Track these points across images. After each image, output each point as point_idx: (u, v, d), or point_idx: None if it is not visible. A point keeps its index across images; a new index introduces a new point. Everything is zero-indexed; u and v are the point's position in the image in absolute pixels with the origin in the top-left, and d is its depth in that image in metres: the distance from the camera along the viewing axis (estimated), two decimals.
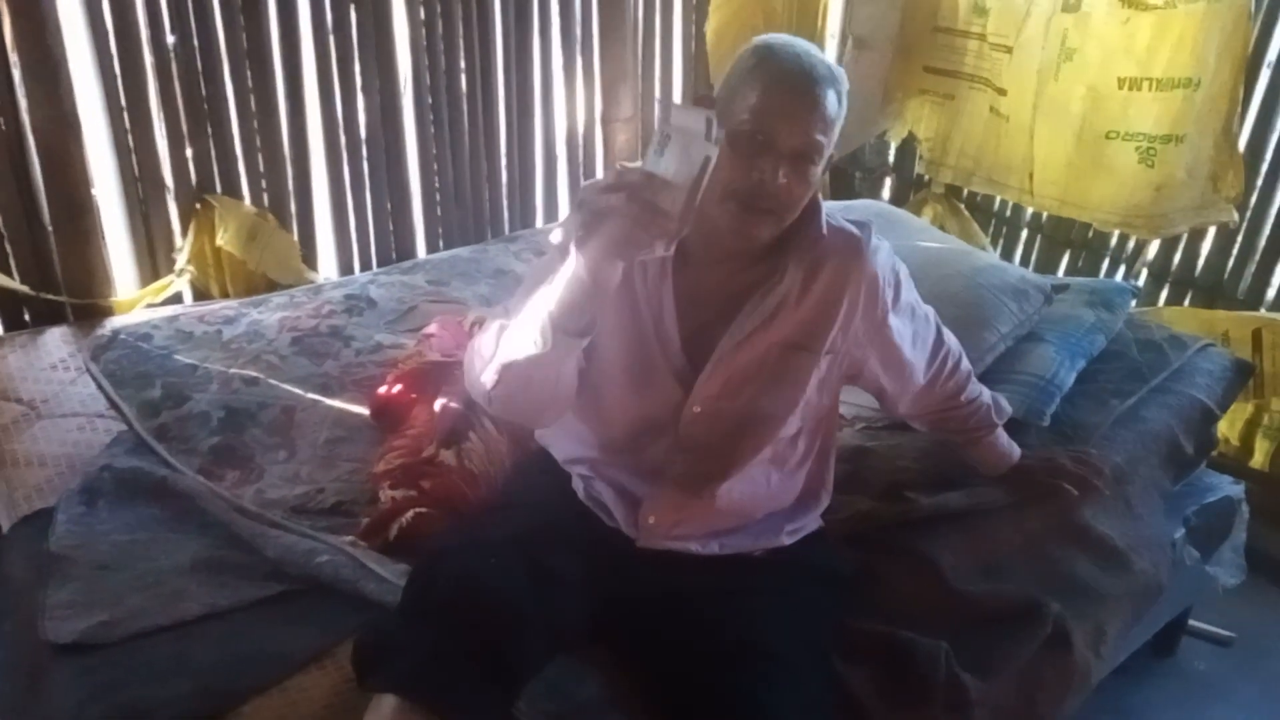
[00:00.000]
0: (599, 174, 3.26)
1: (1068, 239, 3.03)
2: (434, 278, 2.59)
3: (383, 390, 2.00)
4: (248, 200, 2.62)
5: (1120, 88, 2.60)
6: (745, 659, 1.33)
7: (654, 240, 1.12)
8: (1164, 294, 2.85)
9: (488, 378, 1.35)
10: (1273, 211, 2.58)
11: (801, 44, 1.35)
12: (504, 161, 3.03)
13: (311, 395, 2.03)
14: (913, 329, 1.58)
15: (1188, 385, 2.11)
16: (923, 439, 1.90)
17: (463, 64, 2.84)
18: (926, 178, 3.28)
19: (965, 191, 3.21)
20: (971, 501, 1.78)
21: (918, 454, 1.88)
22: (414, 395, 1.95)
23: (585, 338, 1.26)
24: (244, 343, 2.17)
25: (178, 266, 2.55)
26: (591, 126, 3.20)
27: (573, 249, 1.16)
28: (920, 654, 1.51)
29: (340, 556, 1.56)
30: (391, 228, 2.89)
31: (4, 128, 2.25)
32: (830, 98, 1.32)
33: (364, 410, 2.00)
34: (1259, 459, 2.64)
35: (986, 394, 1.75)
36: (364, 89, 2.69)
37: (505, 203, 3.08)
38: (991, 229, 3.23)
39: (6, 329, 2.39)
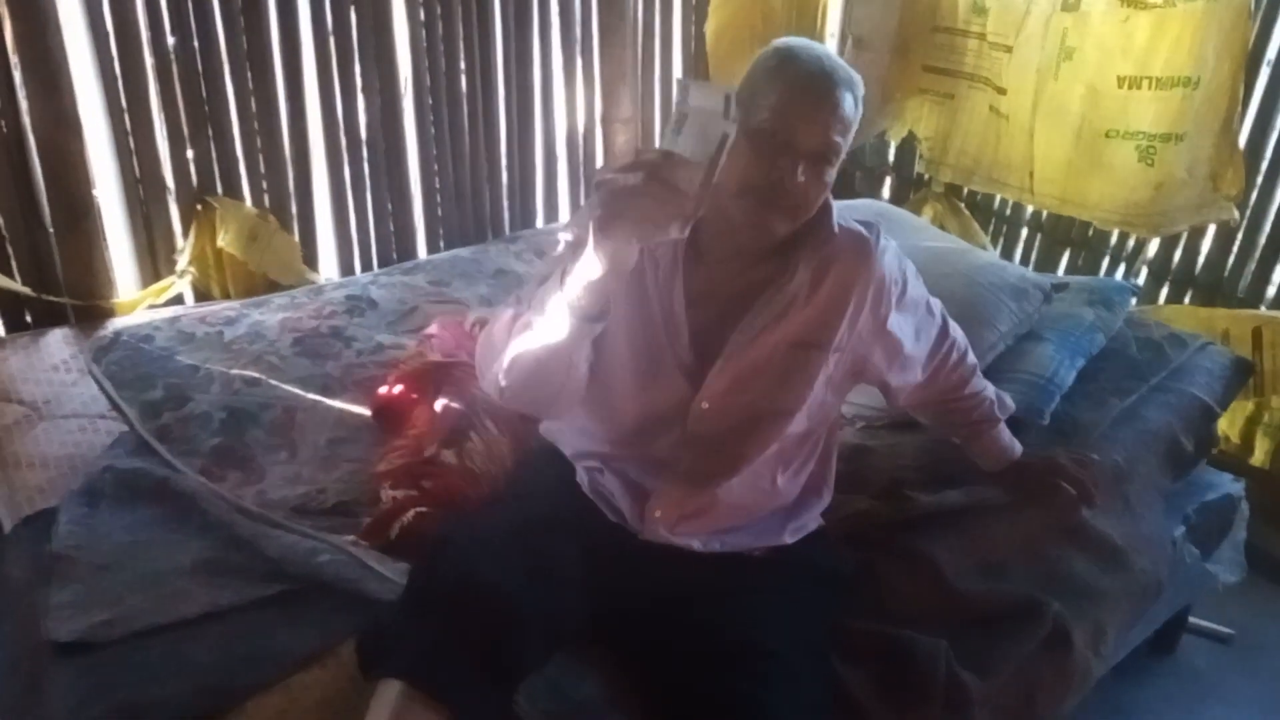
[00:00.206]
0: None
1: (1067, 237, 3.03)
2: (435, 278, 2.59)
3: (384, 391, 2.00)
4: (249, 201, 2.62)
5: (1120, 86, 2.60)
6: (745, 659, 1.33)
7: (671, 220, 1.12)
8: (1164, 292, 2.85)
9: (500, 367, 1.36)
10: (1273, 209, 2.58)
11: (821, 47, 1.38)
12: (504, 162, 3.03)
13: (313, 396, 2.04)
14: (915, 323, 1.59)
15: (1187, 383, 2.11)
16: (922, 438, 1.90)
17: (463, 64, 2.84)
18: (926, 177, 3.28)
19: (965, 190, 3.21)
20: (970, 500, 1.78)
21: (917, 453, 1.89)
22: (415, 395, 1.96)
23: (600, 323, 1.27)
24: (245, 344, 2.17)
25: (179, 268, 2.55)
26: (591, 127, 3.21)
27: (590, 230, 1.17)
28: (920, 653, 1.51)
29: (342, 556, 1.56)
30: (392, 228, 2.89)
31: (5, 129, 2.26)
32: (848, 100, 1.34)
33: (365, 411, 2.01)
34: (1259, 457, 2.64)
35: (990, 389, 1.76)
36: (364, 90, 2.69)
37: (506, 203, 3.08)
38: (991, 228, 3.23)
39: (8, 330, 2.40)
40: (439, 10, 2.74)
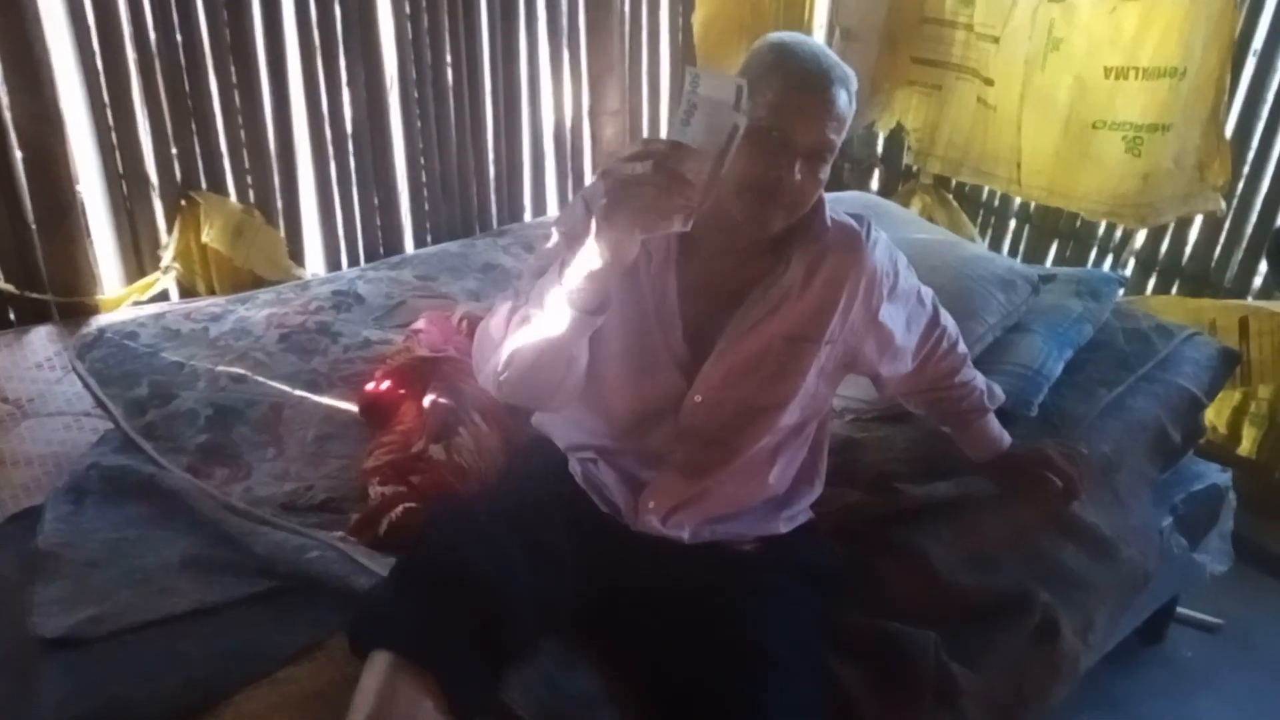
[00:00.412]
0: (587, 168, 3.26)
1: (1055, 229, 3.04)
2: (422, 273, 2.59)
3: (371, 386, 1.99)
4: (233, 196, 2.61)
5: (1107, 77, 2.60)
6: (740, 657, 1.33)
7: (677, 211, 1.12)
8: (1151, 283, 2.86)
9: (498, 360, 1.37)
10: (1259, 200, 2.59)
11: (816, 43, 1.38)
12: (491, 155, 3.02)
13: (300, 392, 2.03)
14: (906, 314, 1.60)
15: (1175, 374, 2.11)
16: (912, 430, 1.90)
17: (449, 57, 2.83)
18: (915, 168, 3.28)
19: (953, 182, 3.21)
20: (960, 492, 1.78)
21: (907, 445, 1.89)
22: (403, 391, 1.95)
23: (600, 315, 1.27)
24: (231, 340, 2.16)
25: (163, 264, 2.54)
26: (579, 120, 3.20)
27: (592, 219, 1.17)
28: (910, 646, 1.51)
29: (330, 552, 1.55)
30: (379, 223, 2.88)
31: None
32: (844, 97, 1.35)
33: (353, 407, 2.00)
34: (1246, 446, 2.65)
35: (980, 379, 1.77)
36: (349, 83, 2.68)
37: (493, 197, 3.08)
38: (980, 219, 3.24)
39: None
40: (424, 2, 2.73)
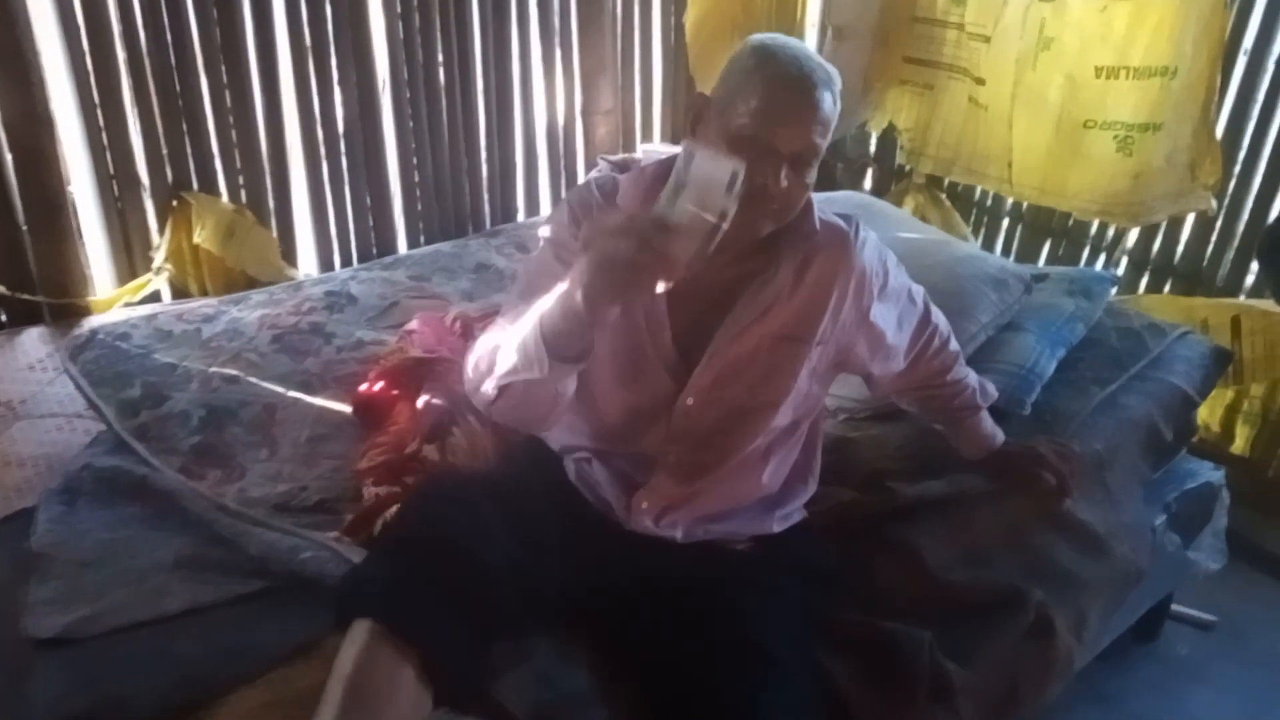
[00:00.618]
0: (580, 167, 3.25)
1: (1048, 228, 3.04)
2: (415, 273, 2.58)
3: (365, 387, 1.99)
4: (225, 197, 2.60)
5: (1098, 76, 2.60)
6: (732, 655, 1.33)
7: (658, 287, 1.13)
8: (1144, 282, 2.86)
9: (487, 392, 1.37)
10: (1250, 199, 2.59)
11: (798, 45, 1.37)
12: (484, 155, 3.02)
13: (293, 393, 2.03)
14: (897, 313, 1.59)
15: (1167, 372, 2.11)
16: (905, 429, 1.90)
17: (440, 57, 2.83)
18: (907, 168, 3.28)
19: (946, 181, 3.21)
20: (953, 490, 1.78)
21: (900, 444, 1.88)
22: (396, 392, 1.95)
23: (581, 363, 1.27)
24: (224, 341, 2.16)
25: (155, 264, 2.53)
26: (571, 119, 3.20)
27: (575, 288, 1.17)
28: (904, 644, 1.51)
29: (324, 552, 1.55)
30: (371, 223, 2.88)
31: None
32: (828, 100, 1.33)
33: (346, 407, 1.99)
34: (1239, 444, 2.65)
35: (973, 376, 1.77)
36: (341, 83, 2.68)
37: (486, 197, 3.07)
38: (972, 219, 3.24)
39: None
40: (415, 2, 2.72)
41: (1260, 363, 2.50)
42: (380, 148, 2.81)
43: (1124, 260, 2.90)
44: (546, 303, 1.24)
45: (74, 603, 1.48)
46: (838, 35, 3.15)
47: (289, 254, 2.75)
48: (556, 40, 3.06)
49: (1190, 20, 2.40)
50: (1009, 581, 1.68)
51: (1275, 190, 2.54)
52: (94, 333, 2.12)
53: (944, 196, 3.23)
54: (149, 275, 2.53)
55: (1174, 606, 2.35)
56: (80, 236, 2.45)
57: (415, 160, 2.88)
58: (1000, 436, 1.80)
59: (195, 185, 2.55)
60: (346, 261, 2.86)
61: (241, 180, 2.62)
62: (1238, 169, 2.59)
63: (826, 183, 3.45)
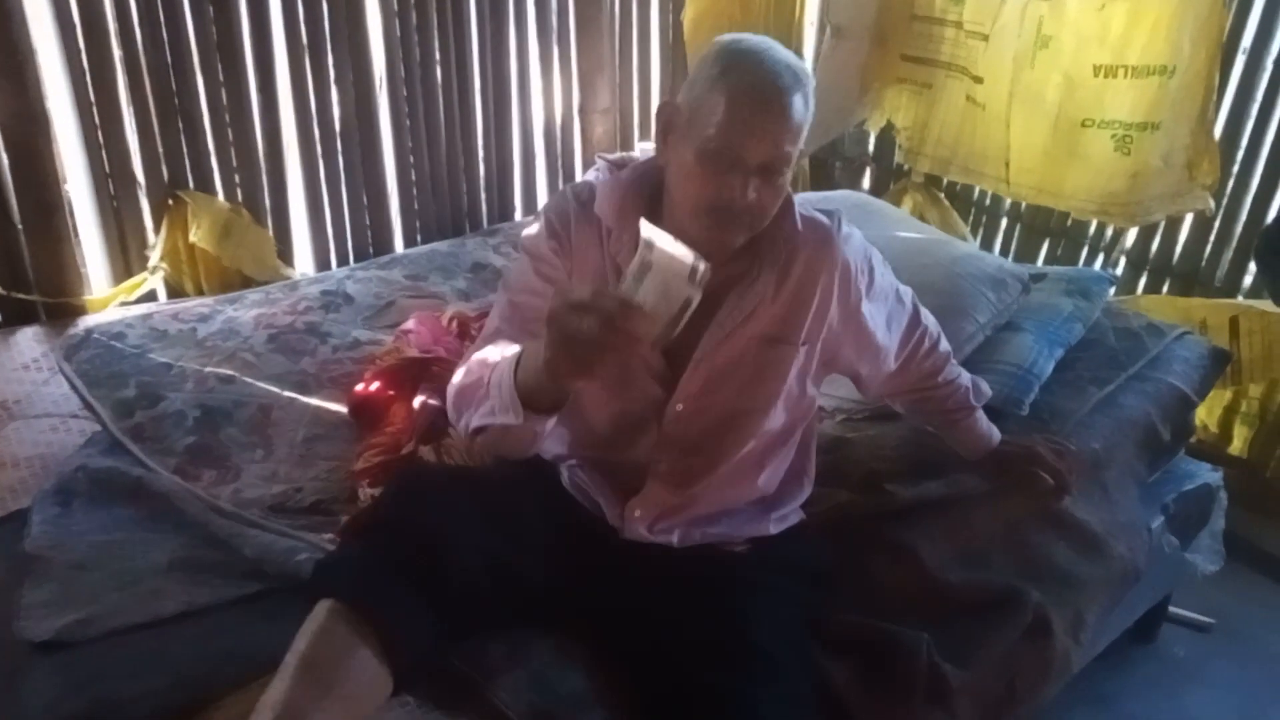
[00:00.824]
0: (578, 166, 3.25)
1: (1047, 228, 3.04)
2: (412, 272, 2.58)
3: (361, 387, 1.98)
4: (221, 195, 2.59)
5: (1096, 75, 2.60)
6: (729, 654, 1.33)
7: (622, 362, 1.13)
8: (1142, 282, 2.86)
9: (466, 428, 1.35)
10: (1249, 199, 2.59)
11: (766, 48, 1.33)
12: (481, 154, 3.01)
13: (288, 393, 2.02)
14: (886, 312, 1.58)
15: (1165, 373, 2.11)
16: (903, 429, 1.90)
17: (438, 55, 2.81)
18: (906, 167, 3.28)
19: (945, 180, 3.20)
20: (951, 490, 1.78)
21: (898, 444, 1.88)
22: (392, 392, 1.94)
23: (555, 413, 1.24)
24: (219, 340, 2.15)
25: (151, 264, 2.52)
26: (569, 118, 3.19)
27: (540, 361, 1.15)
28: (901, 645, 1.51)
29: (320, 554, 1.54)
30: (368, 222, 2.87)
31: None
32: (797, 105, 1.30)
33: (342, 408, 1.99)
34: (1237, 445, 2.65)
35: (966, 376, 1.75)
36: (337, 81, 2.67)
37: (483, 196, 3.06)
38: (971, 218, 3.23)
39: None
40: (413, 0, 2.71)
41: (1258, 363, 2.50)
42: (377, 146, 2.80)
43: (1122, 260, 2.90)
44: (521, 349, 1.22)
45: (68, 606, 1.48)
46: (836, 34, 3.14)
47: (285, 253, 2.74)
48: (554, 39, 3.05)
49: (1188, 19, 2.39)
50: (1006, 582, 1.68)
51: (1273, 190, 2.54)
52: (89, 332, 2.12)
53: (942, 196, 3.23)
54: (144, 274, 2.52)
55: (1172, 609, 2.35)
56: (75, 235, 2.44)
57: (412, 159, 2.87)
58: (997, 436, 1.79)
59: (191, 184, 2.54)
60: (343, 261, 2.85)
61: (237, 179, 2.61)
62: (1236, 169, 2.59)
63: (825, 182, 3.45)
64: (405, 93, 2.79)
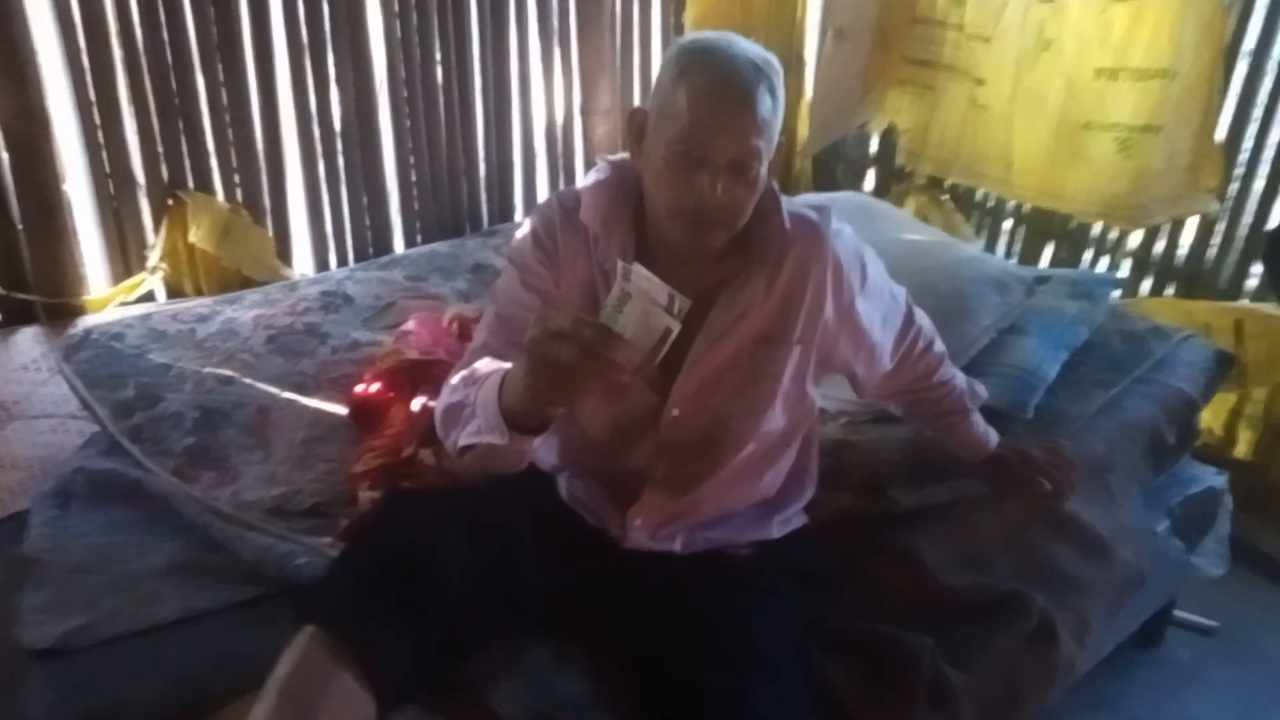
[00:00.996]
0: (579, 167, 3.24)
1: (1050, 230, 3.03)
2: (412, 273, 2.57)
3: (360, 389, 1.98)
4: (221, 196, 2.59)
5: (1097, 78, 2.59)
6: (729, 656, 1.32)
7: (601, 388, 1.13)
8: (1146, 285, 2.85)
9: (454, 447, 1.33)
10: (1252, 202, 2.58)
11: (724, 44, 1.31)
12: (481, 154, 3.01)
13: (287, 394, 2.02)
14: (881, 310, 1.56)
15: (1170, 376, 2.11)
16: (905, 432, 1.89)
17: (438, 55, 2.82)
18: (908, 169, 3.27)
19: (948, 182, 3.20)
20: (953, 495, 1.77)
21: (900, 447, 1.87)
22: (392, 394, 1.94)
23: (540, 434, 1.24)
24: (218, 341, 2.15)
25: (150, 264, 2.52)
26: (570, 118, 3.19)
27: (520, 385, 1.15)
28: (904, 649, 1.50)
29: (319, 559, 1.54)
30: (368, 222, 2.87)
31: None
32: (763, 100, 1.28)
33: (341, 409, 1.98)
34: (1242, 449, 2.64)
35: (961, 377, 1.74)
36: (338, 81, 2.67)
37: (483, 196, 3.06)
38: (974, 220, 3.23)
39: None
40: (413, 1, 2.71)
41: (1262, 366, 2.49)
42: (377, 147, 2.80)
43: (1126, 263, 2.89)
44: (505, 370, 1.21)
45: (67, 611, 1.47)
46: (838, 36, 3.13)
47: (285, 254, 2.74)
48: (555, 39, 3.05)
49: (1190, 22, 2.38)
50: (1010, 586, 1.67)
51: (1277, 193, 2.53)
52: (88, 333, 2.11)
53: (945, 198, 3.22)
54: (144, 274, 2.52)
55: (1176, 612, 2.34)
56: (75, 235, 2.44)
57: (412, 160, 2.87)
58: (994, 439, 1.77)
59: (191, 184, 2.54)
60: (343, 261, 2.85)
61: (237, 179, 2.61)
62: (1240, 172, 2.58)
63: (827, 184, 3.45)
64: (406, 93, 2.79)
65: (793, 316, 1.44)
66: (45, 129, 2.29)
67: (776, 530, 1.56)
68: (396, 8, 2.69)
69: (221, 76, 2.50)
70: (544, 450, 1.55)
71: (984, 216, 3.22)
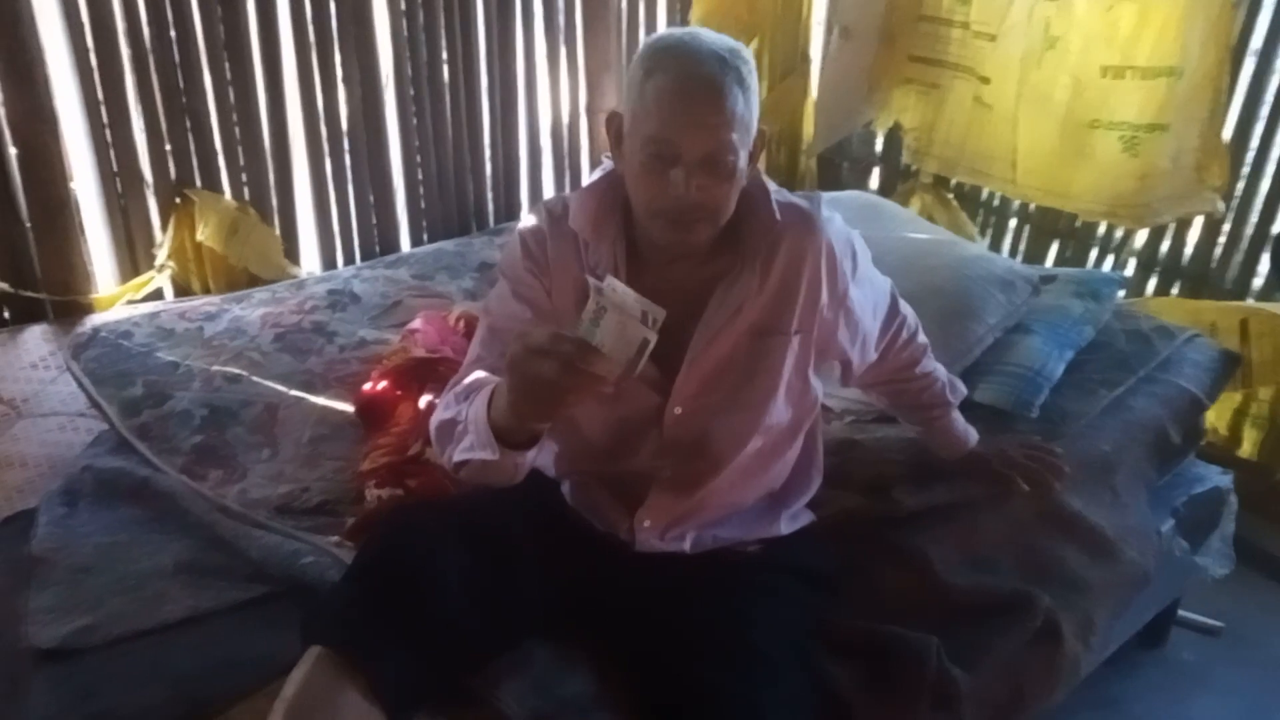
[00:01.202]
0: (584, 166, 3.24)
1: (1055, 229, 3.03)
2: (418, 271, 2.57)
3: (367, 387, 1.98)
4: (228, 194, 2.59)
5: (1104, 76, 2.58)
6: (731, 656, 1.32)
7: (585, 401, 1.14)
8: (1151, 284, 2.85)
9: (449, 462, 1.34)
10: (1258, 201, 2.58)
11: (689, 39, 1.30)
12: (488, 153, 3.01)
13: (295, 392, 2.02)
14: (872, 299, 1.57)
15: (1175, 375, 2.10)
16: (910, 432, 1.89)
17: (445, 54, 2.81)
18: (914, 168, 3.27)
19: (953, 181, 3.19)
20: (958, 496, 1.77)
21: (905, 446, 1.87)
22: (399, 392, 1.94)
23: (531, 449, 1.25)
24: (226, 339, 2.15)
25: (158, 262, 2.52)
26: (576, 117, 3.19)
27: (505, 402, 1.17)
28: (909, 649, 1.51)
29: (325, 558, 1.54)
30: (374, 221, 2.87)
31: None
32: (731, 92, 1.26)
33: (348, 407, 1.99)
34: (1247, 448, 2.64)
35: (942, 371, 1.75)
36: (345, 80, 2.67)
37: (489, 194, 3.06)
38: (979, 219, 3.22)
39: None
40: None
41: (1268, 366, 2.48)
42: (383, 146, 2.80)
43: (1132, 262, 2.89)
44: (494, 386, 1.22)
45: (74, 611, 1.47)
46: (843, 34, 3.13)
47: (292, 252, 2.74)
48: (561, 38, 3.05)
49: (1197, 20, 2.38)
50: (1015, 586, 1.67)
51: None
52: (96, 331, 2.12)
53: (950, 196, 3.22)
54: (151, 273, 2.53)
55: (1181, 612, 2.34)
56: (83, 233, 2.44)
57: (419, 158, 2.87)
58: (974, 437, 1.78)
59: (198, 182, 2.54)
60: (349, 260, 2.85)
61: (245, 178, 2.62)
62: (1246, 171, 2.57)
63: (832, 182, 3.45)
64: (412, 92, 2.79)
65: (789, 307, 1.43)
66: (53, 127, 2.29)
67: (785, 527, 1.56)
68: (403, 6, 2.69)
69: (229, 75, 2.50)
70: (547, 456, 1.55)
71: (989, 215, 3.22)
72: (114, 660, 1.41)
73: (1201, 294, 2.70)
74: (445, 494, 1.67)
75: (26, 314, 2.39)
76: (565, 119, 3.16)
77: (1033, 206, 3.04)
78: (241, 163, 2.59)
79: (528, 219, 1.48)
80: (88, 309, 2.43)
